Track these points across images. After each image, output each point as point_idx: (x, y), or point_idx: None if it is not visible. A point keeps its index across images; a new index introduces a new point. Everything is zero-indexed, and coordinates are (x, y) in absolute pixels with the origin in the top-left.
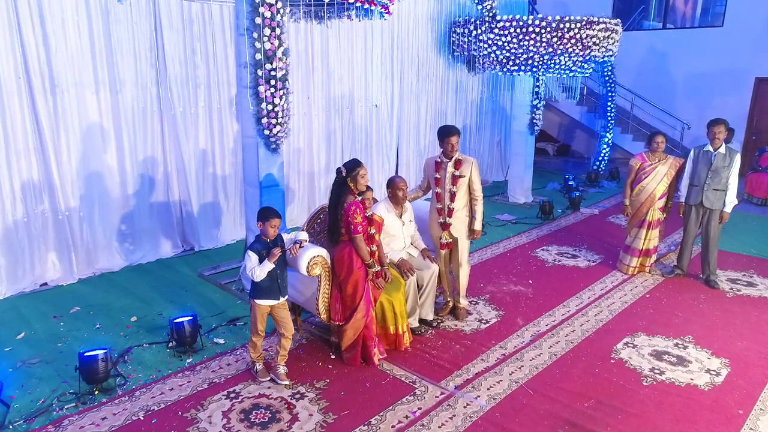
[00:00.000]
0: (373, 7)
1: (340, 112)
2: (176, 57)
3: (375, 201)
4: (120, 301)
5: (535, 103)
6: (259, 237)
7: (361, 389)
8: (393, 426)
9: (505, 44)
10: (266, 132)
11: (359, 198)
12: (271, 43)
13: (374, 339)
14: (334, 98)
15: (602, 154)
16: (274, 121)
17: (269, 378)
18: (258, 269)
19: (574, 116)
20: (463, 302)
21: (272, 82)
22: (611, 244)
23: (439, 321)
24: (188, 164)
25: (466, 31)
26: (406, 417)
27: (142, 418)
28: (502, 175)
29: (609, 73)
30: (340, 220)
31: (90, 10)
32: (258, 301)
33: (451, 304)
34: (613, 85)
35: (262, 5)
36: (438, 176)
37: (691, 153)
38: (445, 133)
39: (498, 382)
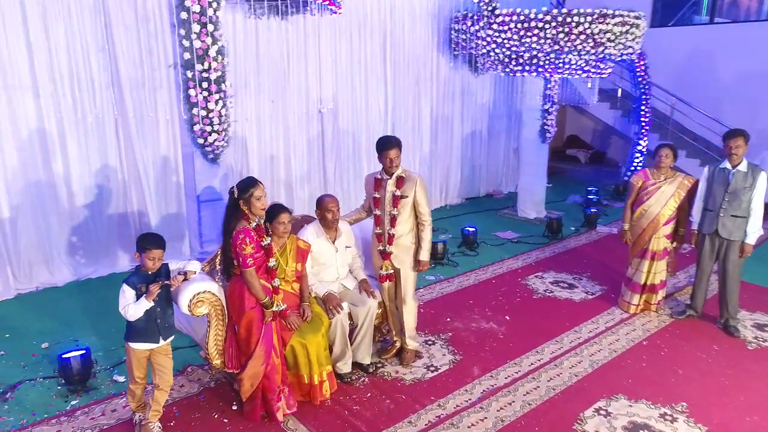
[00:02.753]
0: (323, 2)
1: (321, 116)
2: (130, 58)
3: (306, 224)
4: (41, 323)
5: (546, 107)
6: (138, 268)
7: None
8: None
9: (505, 41)
10: (200, 141)
11: (254, 224)
12: (202, 41)
13: (277, 391)
14: (314, 102)
15: (635, 164)
16: (209, 128)
17: None
18: (132, 307)
19: (608, 121)
20: (412, 344)
21: (205, 84)
22: (620, 273)
23: (378, 365)
24: (147, 173)
25: (464, 27)
26: None
27: None
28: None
29: (642, 74)
30: (230, 250)
31: (25, 7)
32: (132, 345)
33: (398, 344)
34: (647, 86)
35: None
36: (377, 196)
37: (705, 171)
38: (383, 145)
39: None
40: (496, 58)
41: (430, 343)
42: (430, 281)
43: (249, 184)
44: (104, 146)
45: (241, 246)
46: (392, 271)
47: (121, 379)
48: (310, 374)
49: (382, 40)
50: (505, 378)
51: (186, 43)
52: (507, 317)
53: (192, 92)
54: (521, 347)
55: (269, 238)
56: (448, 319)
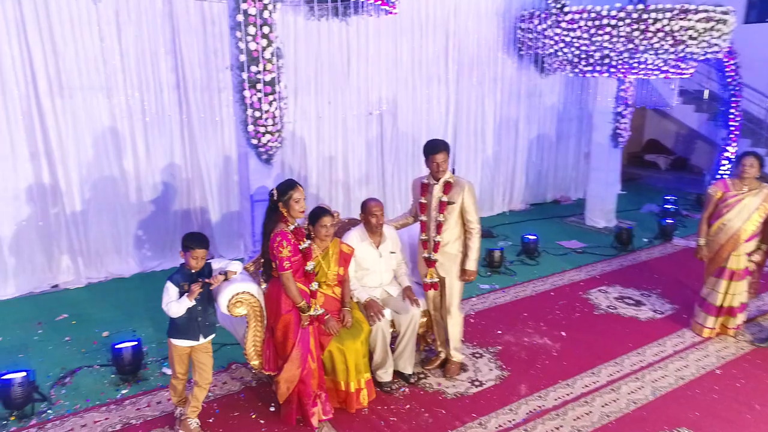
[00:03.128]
0: (377, 3)
1: (380, 117)
2: (195, 60)
3: (351, 227)
4: (105, 312)
5: (619, 109)
6: (182, 266)
7: None
8: None
9: (574, 40)
10: (254, 141)
11: (292, 227)
12: (257, 43)
13: (312, 396)
14: (374, 103)
15: (721, 172)
16: (262, 129)
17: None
18: (175, 304)
19: (692, 125)
20: (457, 356)
21: (258, 86)
22: (695, 292)
23: (421, 376)
24: (209, 171)
25: (531, 26)
26: None
27: None
28: None
29: (731, 73)
30: (268, 252)
31: (99, 12)
32: (174, 341)
33: (443, 356)
34: (737, 87)
35: (245, 0)
36: (423, 201)
37: None
38: (430, 149)
39: None
40: (565, 57)
41: (477, 356)
42: (484, 290)
43: (288, 186)
44: (170, 145)
45: (277, 249)
46: (437, 279)
47: (169, 371)
48: (347, 381)
49: (444, 40)
50: (555, 400)
51: (242, 45)
52: (563, 333)
53: (246, 93)
54: (575, 367)
55: (308, 241)
56: (499, 332)
